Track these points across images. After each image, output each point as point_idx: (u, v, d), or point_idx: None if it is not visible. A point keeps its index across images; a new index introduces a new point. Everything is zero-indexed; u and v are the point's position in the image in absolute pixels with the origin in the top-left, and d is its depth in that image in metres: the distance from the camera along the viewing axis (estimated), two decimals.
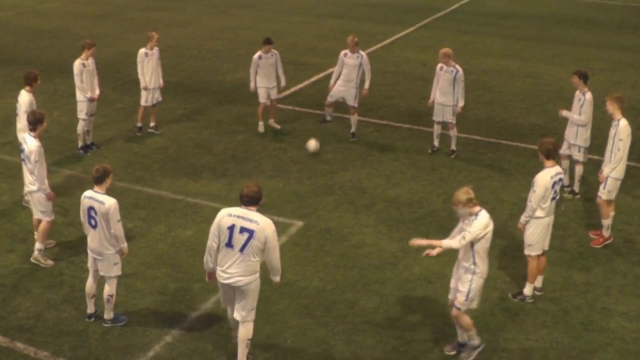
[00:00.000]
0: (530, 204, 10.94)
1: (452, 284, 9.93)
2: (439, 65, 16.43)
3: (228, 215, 9.08)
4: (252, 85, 17.89)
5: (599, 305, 11.28)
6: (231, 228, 9.01)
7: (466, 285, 9.65)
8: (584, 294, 11.58)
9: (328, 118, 18.20)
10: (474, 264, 9.60)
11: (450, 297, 9.97)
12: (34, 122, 11.79)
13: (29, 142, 11.68)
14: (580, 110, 14.17)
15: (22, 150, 11.92)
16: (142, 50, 17.32)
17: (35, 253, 12.00)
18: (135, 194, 14.56)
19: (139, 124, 17.77)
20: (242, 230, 8.97)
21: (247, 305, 9.33)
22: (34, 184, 11.77)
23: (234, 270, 9.11)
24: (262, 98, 17.95)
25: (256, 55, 17.74)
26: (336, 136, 17.86)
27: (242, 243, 8.99)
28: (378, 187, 15.17)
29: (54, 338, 10.16)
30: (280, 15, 33.14)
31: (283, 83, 18.01)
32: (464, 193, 9.42)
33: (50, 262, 11.98)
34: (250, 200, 9.13)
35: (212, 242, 9.24)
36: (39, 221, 12.07)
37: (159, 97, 17.64)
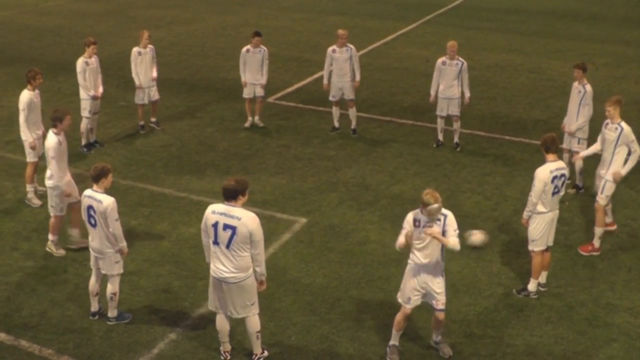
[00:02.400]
0: (530, 198, 10.95)
1: (416, 290, 9.57)
2: (441, 59, 16.43)
3: (212, 213, 9.10)
4: (242, 78, 17.91)
5: (603, 301, 11.25)
6: (215, 225, 9.04)
7: (442, 284, 9.59)
8: (589, 289, 11.56)
9: (336, 125, 17.96)
10: (443, 261, 9.56)
11: (408, 304, 9.68)
12: (53, 119, 12.07)
13: (48, 138, 12.01)
14: (581, 102, 14.27)
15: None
16: (135, 49, 17.32)
17: (49, 242, 12.36)
18: (139, 191, 14.56)
19: (141, 123, 17.78)
20: (225, 227, 8.98)
21: (245, 302, 9.31)
22: (50, 180, 12.03)
23: (224, 267, 9.13)
24: (246, 93, 17.99)
25: (244, 49, 17.77)
26: (340, 133, 17.84)
27: (227, 240, 9.00)
28: (382, 184, 15.15)
29: (58, 336, 10.17)
30: (282, 12, 33.12)
31: (263, 81, 17.82)
32: (437, 194, 9.25)
33: (62, 252, 12.25)
34: (228, 194, 9.07)
35: (203, 238, 9.37)
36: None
37: (155, 94, 17.63)
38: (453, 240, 9.24)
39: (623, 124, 12.43)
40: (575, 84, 14.52)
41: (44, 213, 13.58)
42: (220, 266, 9.16)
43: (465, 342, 10.24)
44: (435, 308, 9.68)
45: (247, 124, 18.23)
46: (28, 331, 10.27)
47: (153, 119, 18.00)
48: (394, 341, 9.93)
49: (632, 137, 12.38)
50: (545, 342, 10.27)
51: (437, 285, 9.55)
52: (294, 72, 23.19)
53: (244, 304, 9.34)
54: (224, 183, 9.20)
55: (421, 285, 9.55)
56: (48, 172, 12.04)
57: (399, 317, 9.81)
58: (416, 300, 9.67)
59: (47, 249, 12.29)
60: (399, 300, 9.82)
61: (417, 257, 9.49)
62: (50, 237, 12.30)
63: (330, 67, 17.46)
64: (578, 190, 14.75)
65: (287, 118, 18.94)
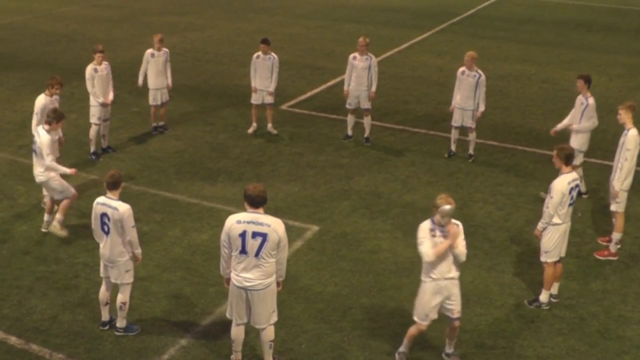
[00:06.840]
0: (547, 210, 10.85)
1: (437, 305, 9.55)
2: (461, 69, 16.39)
3: (237, 223, 8.95)
4: (252, 84, 17.96)
5: (615, 313, 11.19)
6: (243, 235, 8.90)
7: (459, 294, 9.57)
8: (601, 301, 11.50)
9: (349, 133, 18.00)
10: (458, 271, 9.52)
11: (425, 321, 9.63)
12: (51, 118, 12.45)
13: (41, 135, 12.42)
14: (583, 115, 14.16)
15: (34, 143, 12.67)
16: (148, 51, 17.59)
17: (55, 222, 12.70)
18: (151, 197, 14.58)
19: (154, 124, 17.97)
20: (255, 235, 8.87)
21: (268, 309, 9.27)
22: (43, 174, 12.54)
23: (251, 275, 9.03)
24: (255, 99, 18.04)
25: (254, 55, 17.87)
26: (353, 141, 17.84)
27: (257, 248, 8.91)
28: (394, 192, 15.13)
29: (69, 340, 10.19)
30: (297, 20, 33.18)
31: (271, 88, 17.81)
32: (451, 199, 9.25)
33: (64, 233, 12.65)
34: (261, 201, 9.00)
35: (223, 250, 9.17)
36: (54, 200, 12.92)
37: (166, 96, 17.83)
38: (461, 249, 9.27)
39: (632, 130, 12.34)
40: (579, 96, 14.45)
41: None
42: (247, 275, 9.03)
43: (476, 353, 10.21)
44: (451, 317, 9.66)
45: (250, 130, 18.27)
46: (39, 335, 10.29)
47: (161, 123, 18.13)
48: (404, 349, 9.92)
49: (630, 146, 12.24)
50: (557, 353, 10.23)
51: (455, 295, 9.54)
52: (307, 79, 23.22)
53: (267, 312, 9.28)
54: (249, 190, 9.03)
55: (442, 299, 9.51)
56: (40, 168, 12.52)
57: (413, 331, 9.77)
58: (433, 316, 9.64)
59: (49, 229, 12.72)
60: (415, 318, 9.72)
61: (436, 273, 9.41)
62: (58, 215, 12.66)
63: (351, 74, 17.50)
64: (580, 195, 14.46)
65: (300, 125, 18.96)
